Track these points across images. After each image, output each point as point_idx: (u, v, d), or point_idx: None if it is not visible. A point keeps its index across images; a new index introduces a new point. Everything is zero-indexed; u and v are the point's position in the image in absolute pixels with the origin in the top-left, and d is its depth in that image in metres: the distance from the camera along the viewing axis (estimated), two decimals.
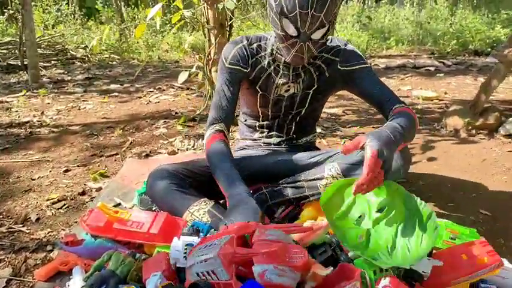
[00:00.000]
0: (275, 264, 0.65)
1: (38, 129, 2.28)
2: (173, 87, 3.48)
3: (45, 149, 1.96)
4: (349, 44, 1.15)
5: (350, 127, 2.34)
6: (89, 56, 5.09)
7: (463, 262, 0.85)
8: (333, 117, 2.58)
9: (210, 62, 2.21)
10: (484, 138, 2.03)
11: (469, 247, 0.88)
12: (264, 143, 1.31)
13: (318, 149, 1.37)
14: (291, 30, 0.96)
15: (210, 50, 2.19)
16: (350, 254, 0.87)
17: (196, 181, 1.11)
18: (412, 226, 0.88)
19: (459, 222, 1.12)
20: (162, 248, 0.92)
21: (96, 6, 7.86)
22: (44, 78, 3.85)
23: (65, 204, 1.38)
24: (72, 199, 1.42)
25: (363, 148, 0.82)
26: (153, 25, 5.45)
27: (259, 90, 1.18)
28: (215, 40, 2.14)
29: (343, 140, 2.06)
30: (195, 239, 0.82)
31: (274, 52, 1.12)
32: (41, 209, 1.34)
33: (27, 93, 3.20)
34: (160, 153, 1.89)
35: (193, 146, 1.97)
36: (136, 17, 7.15)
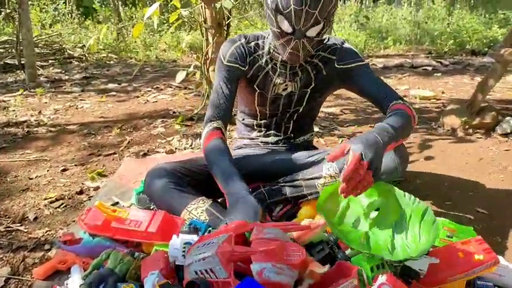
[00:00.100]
0: (273, 263, 0.65)
1: (36, 129, 2.28)
2: (171, 87, 3.48)
3: (42, 148, 1.95)
4: (346, 43, 1.16)
5: (348, 126, 2.34)
6: (87, 55, 5.08)
7: (459, 260, 0.85)
8: (331, 116, 2.58)
9: (208, 61, 2.22)
10: (481, 138, 2.04)
11: (466, 245, 0.88)
12: (262, 142, 1.31)
13: (315, 148, 1.37)
14: (286, 27, 0.97)
15: (207, 49, 2.19)
16: (347, 252, 0.88)
17: (194, 180, 1.11)
18: (407, 224, 0.88)
19: (456, 220, 1.13)
20: (160, 246, 0.92)
21: (94, 6, 7.85)
22: (41, 78, 3.83)
23: (62, 204, 1.37)
24: (69, 198, 1.42)
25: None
26: (151, 24, 5.44)
27: (256, 88, 1.18)
28: (213, 39, 2.15)
29: (341, 139, 2.07)
30: (193, 237, 0.82)
31: (271, 51, 1.13)
32: (39, 208, 1.34)
33: (24, 93, 3.19)
34: (158, 152, 1.89)
35: (191, 145, 1.97)
36: (133, 16, 7.13)
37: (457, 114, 2.17)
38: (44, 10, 6.74)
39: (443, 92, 3.25)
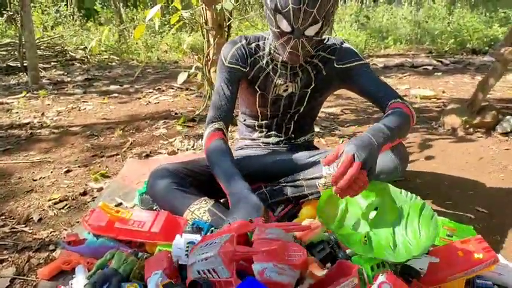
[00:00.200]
0: (274, 262, 0.66)
1: (39, 131, 2.30)
2: (172, 88, 3.50)
3: (46, 150, 1.97)
4: (345, 43, 1.17)
5: (348, 126, 2.35)
6: (89, 57, 5.10)
7: (459, 258, 0.86)
8: (331, 116, 2.59)
9: (209, 63, 2.23)
10: (481, 137, 2.05)
11: (465, 244, 0.89)
12: (263, 142, 1.32)
13: (316, 148, 1.38)
14: (285, 26, 0.98)
15: (208, 50, 2.20)
16: (348, 251, 0.89)
17: (197, 180, 1.12)
18: (406, 221, 0.89)
19: (456, 219, 1.14)
20: (163, 246, 0.93)
21: (95, 7, 7.87)
22: (44, 80, 3.85)
23: (66, 205, 1.39)
24: (73, 199, 1.43)
25: None
26: (152, 26, 5.46)
27: (258, 89, 1.19)
28: (214, 41, 2.16)
29: (342, 139, 2.08)
30: (196, 237, 0.83)
31: (272, 51, 1.14)
32: (43, 209, 1.36)
33: (27, 95, 3.21)
34: (160, 153, 1.90)
35: (193, 146, 1.98)
36: (135, 17, 7.16)
37: (458, 113, 2.18)
38: (45, 12, 6.77)
39: (443, 92, 3.25)
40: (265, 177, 1.21)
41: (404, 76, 4.00)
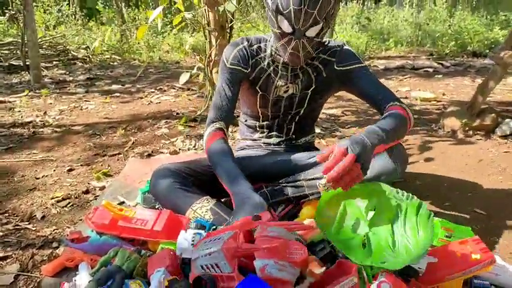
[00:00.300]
0: (275, 259, 0.68)
1: (41, 129, 2.31)
2: (174, 88, 3.51)
3: (48, 149, 1.99)
4: (345, 45, 1.19)
5: (349, 128, 2.37)
6: (90, 56, 5.12)
7: (457, 259, 0.87)
8: (332, 117, 2.60)
9: (211, 63, 2.24)
10: (480, 139, 2.06)
11: (463, 244, 0.90)
12: (264, 143, 1.34)
13: (317, 149, 1.40)
14: (286, 27, 1.00)
15: (211, 51, 2.22)
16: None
17: (199, 180, 1.14)
18: (404, 220, 0.90)
19: (455, 220, 1.15)
20: (166, 244, 0.94)
21: (97, 7, 7.89)
22: (46, 79, 3.87)
23: (69, 203, 1.40)
24: (76, 197, 1.45)
25: None
26: (154, 26, 5.49)
27: (259, 90, 1.21)
28: (216, 42, 2.17)
29: (341, 140, 2.09)
30: (202, 232, 0.85)
31: (273, 53, 1.16)
32: (46, 207, 1.37)
33: (29, 94, 3.23)
34: (162, 153, 1.92)
35: (194, 146, 2.00)
36: (136, 17, 7.18)
37: (457, 116, 2.19)
38: (47, 11, 6.79)
39: (443, 94, 3.27)
40: (266, 178, 1.22)
41: (405, 78, 4.01)
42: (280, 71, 1.17)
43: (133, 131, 2.29)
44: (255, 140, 1.35)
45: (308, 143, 1.37)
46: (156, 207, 1.21)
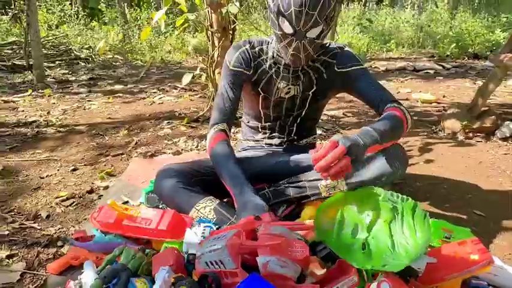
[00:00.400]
0: (278, 256, 0.70)
1: (45, 129, 2.33)
2: (176, 88, 3.53)
3: (52, 148, 2.01)
4: (346, 47, 1.20)
5: (350, 129, 2.38)
6: (93, 56, 5.15)
7: (455, 259, 0.89)
8: (333, 119, 2.62)
9: (214, 64, 2.26)
10: (480, 141, 2.08)
11: (462, 245, 0.92)
12: (266, 144, 1.35)
13: None
14: (287, 29, 1.02)
15: (213, 52, 2.24)
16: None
17: (202, 180, 1.16)
18: (402, 222, 0.92)
19: (454, 222, 1.16)
20: (169, 243, 0.96)
21: (99, 7, 7.92)
22: (49, 78, 3.90)
23: (73, 202, 1.42)
24: (80, 197, 1.47)
25: None
26: (156, 26, 5.50)
27: (261, 92, 1.22)
28: (218, 43, 2.19)
29: None
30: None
31: (275, 55, 1.18)
32: (51, 206, 1.39)
33: (32, 93, 3.25)
34: (164, 153, 1.94)
35: (196, 147, 2.02)
36: (138, 17, 7.20)
37: (458, 118, 2.21)
38: (50, 11, 6.82)
39: (444, 96, 3.28)
40: (268, 178, 1.24)
41: (406, 80, 4.03)
42: (281, 73, 1.19)
43: (136, 131, 2.31)
44: (257, 140, 1.37)
45: (309, 144, 1.39)
46: (160, 206, 1.22)
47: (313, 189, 1.16)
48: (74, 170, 1.72)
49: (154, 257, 0.89)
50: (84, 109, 2.83)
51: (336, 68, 1.18)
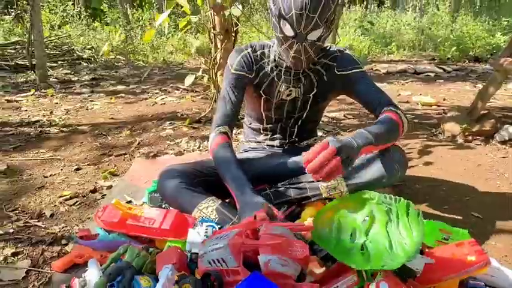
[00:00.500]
0: (279, 255, 0.72)
1: (48, 129, 2.35)
2: (178, 89, 3.55)
3: (55, 148, 2.03)
4: (346, 50, 1.23)
5: (351, 131, 2.40)
6: (95, 56, 5.17)
7: (453, 260, 0.90)
8: (334, 121, 2.64)
9: (216, 66, 2.28)
10: (480, 144, 2.09)
11: (459, 246, 0.94)
12: (268, 145, 1.37)
13: None
14: (288, 31, 1.04)
15: (216, 54, 2.26)
16: None
17: (205, 180, 1.17)
18: (397, 222, 0.93)
19: (452, 223, 1.18)
20: (173, 242, 0.98)
21: (102, 7, 7.95)
22: (51, 78, 3.92)
23: (77, 201, 1.44)
24: (84, 196, 1.49)
25: None
26: (158, 27, 5.53)
27: (263, 94, 1.25)
28: (221, 45, 2.21)
29: None
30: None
31: (276, 58, 1.20)
32: (55, 205, 1.41)
33: (35, 93, 3.28)
34: (167, 153, 1.96)
35: (198, 147, 2.04)
36: (140, 18, 7.22)
37: (458, 121, 2.22)
38: (52, 11, 6.85)
39: (444, 99, 3.30)
40: (270, 179, 1.26)
41: (407, 82, 4.05)
42: (283, 76, 1.21)
43: (138, 131, 2.33)
44: (259, 142, 1.39)
45: (310, 145, 1.40)
46: (162, 206, 1.24)
47: (313, 190, 1.18)
48: (78, 169, 1.74)
49: (158, 255, 0.91)
50: (87, 109, 2.86)
51: (336, 71, 1.20)
